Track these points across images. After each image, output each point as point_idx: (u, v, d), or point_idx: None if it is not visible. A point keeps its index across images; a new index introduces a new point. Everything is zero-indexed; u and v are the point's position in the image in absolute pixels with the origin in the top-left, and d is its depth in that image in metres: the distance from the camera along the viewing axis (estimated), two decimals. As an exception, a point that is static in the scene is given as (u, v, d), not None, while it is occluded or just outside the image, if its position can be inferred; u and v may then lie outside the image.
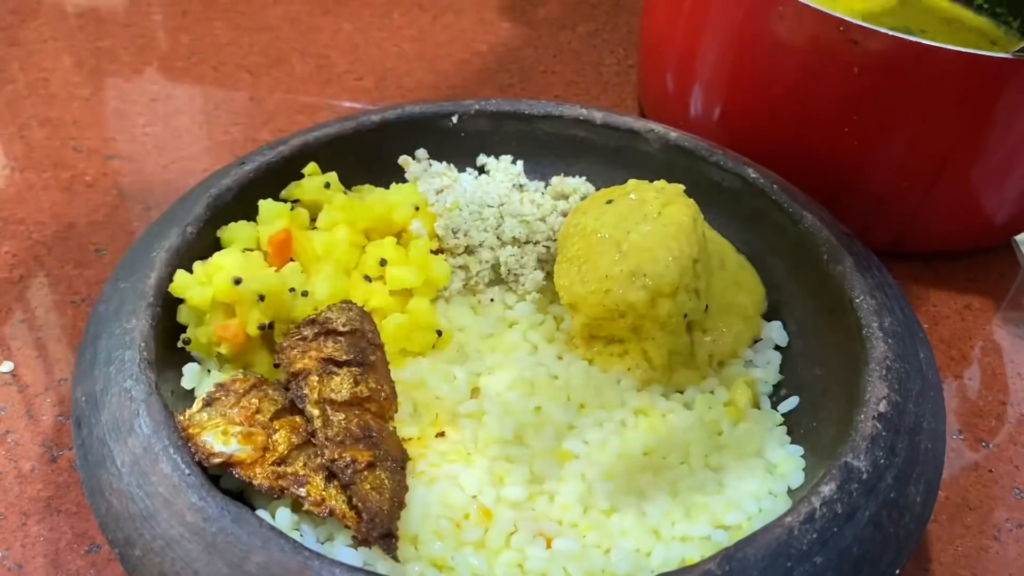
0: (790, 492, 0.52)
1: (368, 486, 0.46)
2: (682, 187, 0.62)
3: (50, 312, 0.69)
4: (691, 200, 0.60)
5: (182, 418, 0.47)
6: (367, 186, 0.66)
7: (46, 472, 0.58)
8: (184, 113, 0.90)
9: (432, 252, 0.62)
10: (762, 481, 0.52)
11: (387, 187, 0.65)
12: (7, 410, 0.62)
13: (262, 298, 0.54)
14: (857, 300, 0.54)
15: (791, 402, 0.58)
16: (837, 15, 0.64)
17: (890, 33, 0.63)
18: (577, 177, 0.69)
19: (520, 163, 0.70)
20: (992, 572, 0.56)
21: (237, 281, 0.53)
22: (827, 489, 0.44)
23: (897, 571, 0.45)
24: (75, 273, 0.72)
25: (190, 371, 0.55)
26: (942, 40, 0.64)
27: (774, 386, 0.60)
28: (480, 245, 0.63)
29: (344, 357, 0.51)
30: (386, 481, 0.47)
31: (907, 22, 0.84)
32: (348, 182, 0.65)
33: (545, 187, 0.69)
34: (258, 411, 0.49)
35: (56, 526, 0.55)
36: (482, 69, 0.98)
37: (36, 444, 0.60)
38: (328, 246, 0.59)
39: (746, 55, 0.73)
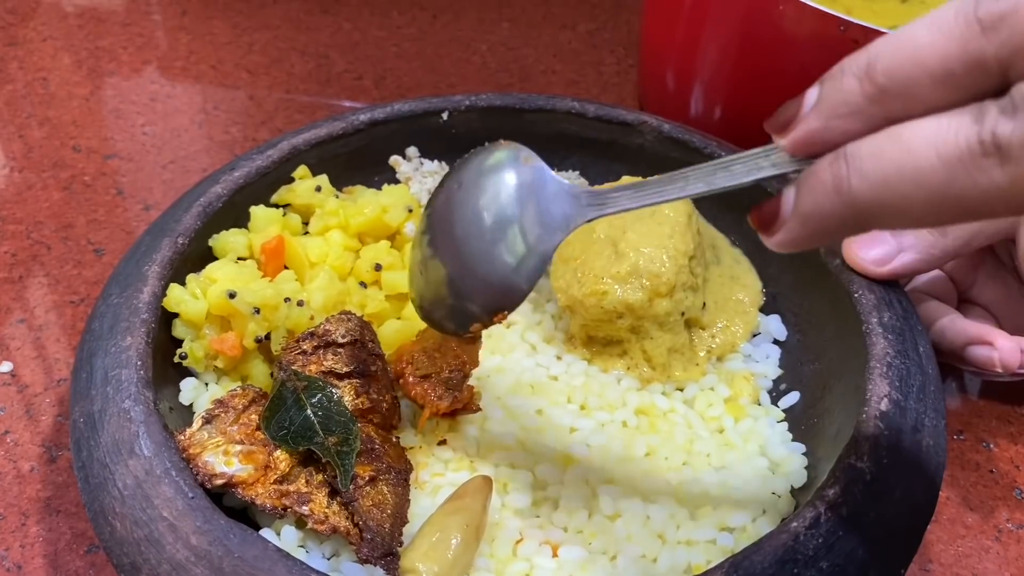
0: (793, 492, 0.52)
1: (369, 502, 0.46)
2: None
3: (49, 312, 0.69)
4: None
5: (182, 438, 0.47)
6: (358, 187, 0.65)
7: (45, 472, 0.58)
8: (183, 112, 0.89)
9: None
10: (765, 481, 0.52)
11: (379, 187, 0.64)
12: (6, 410, 0.62)
13: (258, 311, 0.53)
14: (856, 295, 0.53)
15: (791, 397, 0.58)
16: (838, 14, 0.64)
17: (891, 32, 0.62)
18: (570, 171, 0.68)
19: (512, 159, 0.69)
20: (992, 572, 0.56)
21: (232, 295, 0.53)
22: (831, 492, 0.44)
23: (902, 570, 0.45)
24: (74, 273, 0.72)
25: (187, 386, 0.54)
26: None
27: (774, 381, 0.59)
28: (476, 246, 0.62)
29: (344, 369, 0.51)
30: (388, 496, 0.47)
31: (907, 21, 0.83)
32: (339, 183, 0.64)
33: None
34: (258, 427, 0.48)
35: (55, 526, 0.55)
36: (482, 69, 0.98)
37: (35, 444, 0.60)
38: (322, 252, 0.58)
39: (746, 54, 0.72)
